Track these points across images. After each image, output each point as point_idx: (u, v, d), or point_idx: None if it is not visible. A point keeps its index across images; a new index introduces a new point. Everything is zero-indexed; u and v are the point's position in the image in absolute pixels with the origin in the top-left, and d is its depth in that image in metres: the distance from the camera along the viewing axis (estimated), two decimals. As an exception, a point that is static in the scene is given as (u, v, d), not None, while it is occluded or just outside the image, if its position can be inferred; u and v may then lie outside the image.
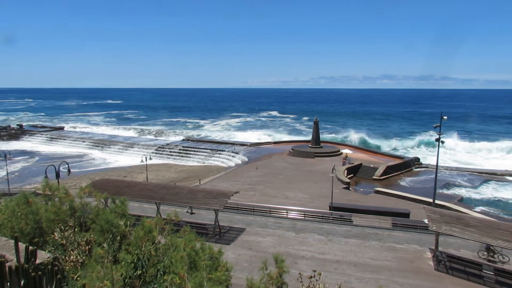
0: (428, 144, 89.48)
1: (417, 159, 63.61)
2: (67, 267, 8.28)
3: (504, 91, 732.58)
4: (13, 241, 6.14)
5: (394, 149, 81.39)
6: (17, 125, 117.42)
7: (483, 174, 58.56)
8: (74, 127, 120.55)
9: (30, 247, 5.32)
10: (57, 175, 28.88)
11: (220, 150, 74.59)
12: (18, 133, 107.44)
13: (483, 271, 22.56)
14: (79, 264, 8.55)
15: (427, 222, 25.70)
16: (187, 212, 33.74)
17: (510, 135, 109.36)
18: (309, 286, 8.42)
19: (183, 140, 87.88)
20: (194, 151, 77.20)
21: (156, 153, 78.75)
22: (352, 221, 32.05)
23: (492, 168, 62.42)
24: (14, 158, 76.70)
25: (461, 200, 43.60)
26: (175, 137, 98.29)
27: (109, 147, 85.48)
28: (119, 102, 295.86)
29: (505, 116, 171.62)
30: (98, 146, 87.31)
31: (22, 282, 4.09)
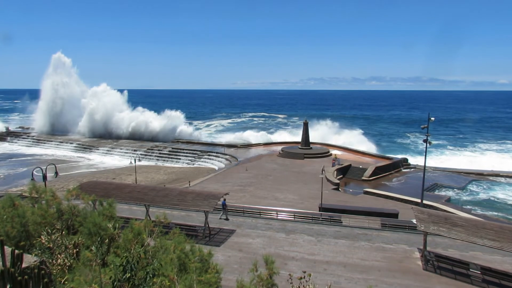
0: (415, 145, 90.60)
1: (405, 160, 64.30)
2: (54, 271, 8.16)
3: (489, 93, 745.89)
4: (-1, 245, 6.03)
5: (383, 150, 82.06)
6: (4, 127, 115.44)
7: (470, 175, 59.48)
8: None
9: (16, 251, 5.24)
10: (44, 178, 28.46)
11: (210, 152, 74.36)
12: (4, 135, 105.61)
13: (470, 270, 22.89)
14: (67, 267, 8.44)
15: (415, 222, 25.99)
16: (220, 218, 33.02)
17: (496, 136, 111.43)
18: (299, 287, 8.44)
19: (172, 141, 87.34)
20: (183, 152, 76.84)
21: (145, 154, 78.14)
22: (341, 222, 32.21)
23: (478, 168, 63.27)
24: (0, 160, 75.46)
25: (449, 200, 44.19)
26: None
27: (97, 149, 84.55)
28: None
29: (491, 118, 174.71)
30: (86, 148, 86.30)
31: (8, 287, 4.03)
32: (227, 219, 32.83)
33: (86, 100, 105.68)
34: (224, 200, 33.16)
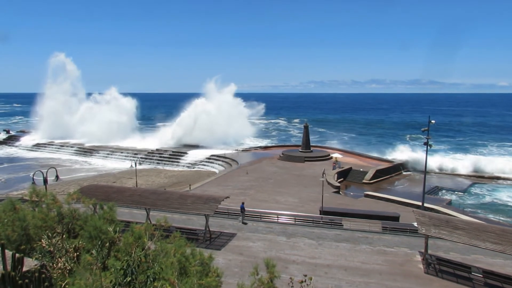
0: (416, 148, 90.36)
1: (406, 163, 64.17)
2: (55, 275, 8.14)
3: (490, 95, 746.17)
4: (-1, 248, 6.02)
5: (383, 153, 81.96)
6: (4, 130, 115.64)
7: (471, 177, 59.43)
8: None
9: (17, 255, 5.24)
10: (45, 181, 28.45)
11: (210, 155, 74.29)
12: (4, 138, 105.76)
13: (472, 273, 22.80)
14: (67, 271, 8.41)
15: (416, 225, 25.92)
16: (242, 222, 32.72)
17: (498, 139, 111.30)
18: (300, 290, 8.40)
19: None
20: (184, 156, 76.84)
21: (146, 158, 78.17)
22: (342, 225, 32.14)
23: (480, 171, 63.08)
24: (1, 164, 75.53)
25: (450, 203, 44.11)
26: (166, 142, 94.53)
27: (98, 153, 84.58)
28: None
29: (493, 120, 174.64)
30: (87, 152, 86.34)
31: (8, 290, 4.02)
32: (245, 223, 32.74)
33: (76, 117, 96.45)
34: (243, 203, 33.22)
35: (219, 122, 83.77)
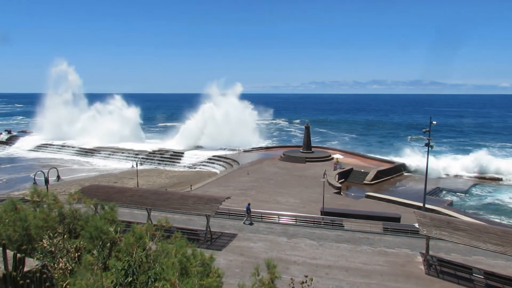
0: (417, 148, 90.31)
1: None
2: (56, 275, 8.15)
3: (491, 96, 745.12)
4: (1, 248, 6.04)
5: (385, 154, 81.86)
6: (6, 130, 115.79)
7: (472, 178, 59.34)
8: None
9: (18, 255, 5.25)
10: (46, 181, 28.50)
11: (212, 156, 74.31)
12: (6, 138, 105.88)
13: (473, 274, 22.76)
14: (68, 271, 8.42)
15: (417, 226, 25.88)
16: (244, 223, 32.69)
17: (499, 139, 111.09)
18: (301, 291, 8.40)
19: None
20: (185, 156, 76.86)
21: (147, 158, 78.21)
22: (343, 226, 32.12)
23: (481, 172, 62.94)
24: (2, 164, 75.66)
25: (451, 204, 44.02)
26: (168, 142, 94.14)
27: (99, 153, 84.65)
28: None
29: (494, 121, 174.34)
30: (88, 152, 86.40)
31: (10, 290, 4.02)
32: (251, 223, 32.71)
33: (78, 127, 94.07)
34: (249, 204, 33.26)
35: (225, 131, 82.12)
